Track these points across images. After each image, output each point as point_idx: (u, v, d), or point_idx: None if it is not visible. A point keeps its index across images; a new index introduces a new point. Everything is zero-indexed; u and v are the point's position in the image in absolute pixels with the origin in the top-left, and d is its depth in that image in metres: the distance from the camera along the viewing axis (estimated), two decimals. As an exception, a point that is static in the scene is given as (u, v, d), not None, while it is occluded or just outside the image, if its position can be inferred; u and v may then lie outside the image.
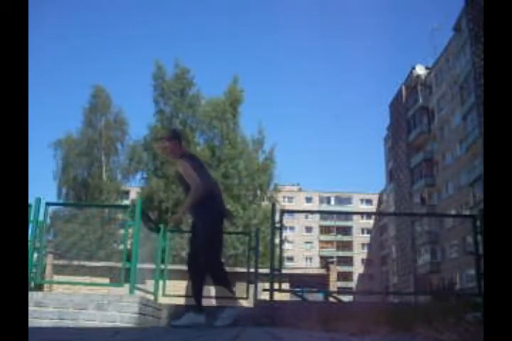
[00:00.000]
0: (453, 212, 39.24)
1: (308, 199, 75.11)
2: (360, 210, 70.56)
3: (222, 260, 4.84)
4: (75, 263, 15.07)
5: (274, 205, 6.32)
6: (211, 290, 4.95)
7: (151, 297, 5.99)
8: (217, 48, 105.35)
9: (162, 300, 6.37)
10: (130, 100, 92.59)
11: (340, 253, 69.32)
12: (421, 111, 47.57)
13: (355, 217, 71.96)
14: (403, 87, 51.52)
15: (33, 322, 4.22)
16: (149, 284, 6.51)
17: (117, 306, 4.65)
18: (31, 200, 5.39)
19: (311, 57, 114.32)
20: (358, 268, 72.98)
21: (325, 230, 74.55)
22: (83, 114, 35.49)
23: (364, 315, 3.63)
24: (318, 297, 10.30)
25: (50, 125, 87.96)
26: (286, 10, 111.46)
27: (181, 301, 6.59)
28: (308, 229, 73.72)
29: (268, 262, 6.25)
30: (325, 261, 19.91)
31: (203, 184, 4.43)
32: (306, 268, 41.00)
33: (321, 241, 74.01)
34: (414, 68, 49.56)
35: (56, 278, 13.91)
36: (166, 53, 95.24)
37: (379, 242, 72.13)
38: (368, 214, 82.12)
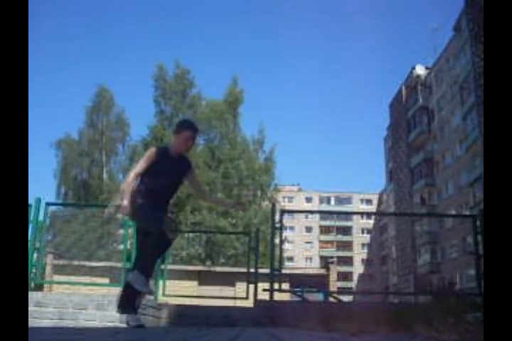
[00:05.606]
0: (453, 212, 39.21)
1: (308, 199, 75.10)
2: (360, 210, 70.52)
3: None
4: (75, 263, 15.04)
5: (274, 205, 6.33)
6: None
7: (151, 297, 5.98)
8: (218, 48, 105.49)
9: (162, 300, 6.37)
10: (130, 100, 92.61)
11: (340, 253, 69.29)
12: (421, 111, 47.56)
13: (355, 217, 71.97)
14: (403, 87, 51.51)
15: (33, 322, 4.22)
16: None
17: (117, 306, 4.63)
18: (31, 200, 5.39)
19: (311, 58, 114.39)
20: (358, 268, 72.95)
21: (325, 230, 74.54)
22: (85, 113, 35.53)
23: (364, 315, 3.63)
24: (318, 297, 10.31)
25: (51, 125, 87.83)
26: (286, 10, 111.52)
27: (181, 301, 6.58)
28: (308, 229, 73.71)
29: (268, 262, 6.26)
30: (325, 261, 19.92)
31: None
32: (306, 268, 41.00)
33: (321, 241, 73.99)
34: (414, 68, 49.58)
35: (56, 278, 13.89)
36: (166, 53, 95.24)
37: (379, 242, 72.12)
38: (368, 214, 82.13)
